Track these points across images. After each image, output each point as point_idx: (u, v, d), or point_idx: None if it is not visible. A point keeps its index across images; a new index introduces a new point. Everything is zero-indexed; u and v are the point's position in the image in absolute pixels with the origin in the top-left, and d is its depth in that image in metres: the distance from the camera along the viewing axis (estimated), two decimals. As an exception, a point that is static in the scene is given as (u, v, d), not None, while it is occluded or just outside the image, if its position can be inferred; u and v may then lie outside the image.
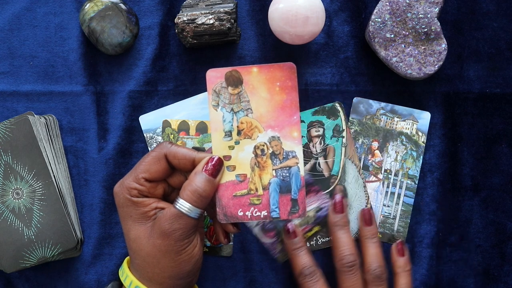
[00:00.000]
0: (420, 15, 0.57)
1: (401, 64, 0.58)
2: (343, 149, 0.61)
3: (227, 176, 0.49)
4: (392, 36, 0.58)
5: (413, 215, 0.61)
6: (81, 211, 0.61)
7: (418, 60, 0.58)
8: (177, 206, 0.46)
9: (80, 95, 0.61)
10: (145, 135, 0.61)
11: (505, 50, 0.61)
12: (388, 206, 0.61)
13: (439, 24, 0.57)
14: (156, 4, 0.61)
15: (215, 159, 0.47)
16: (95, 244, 0.61)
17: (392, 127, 0.61)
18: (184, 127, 0.61)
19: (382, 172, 0.61)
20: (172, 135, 0.61)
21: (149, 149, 0.61)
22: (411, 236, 0.61)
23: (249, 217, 0.48)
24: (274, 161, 0.48)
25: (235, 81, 0.49)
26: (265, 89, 0.49)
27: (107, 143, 0.61)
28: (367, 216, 0.57)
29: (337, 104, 0.61)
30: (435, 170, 0.61)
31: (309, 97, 0.61)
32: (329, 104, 0.61)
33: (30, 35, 0.61)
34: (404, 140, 0.61)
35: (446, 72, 0.61)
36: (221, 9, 0.58)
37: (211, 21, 0.57)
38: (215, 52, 0.61)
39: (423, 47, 0.58)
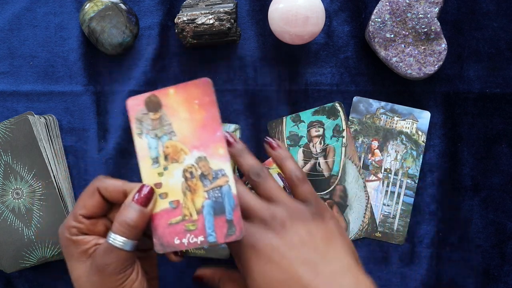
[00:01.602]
0: (420, 15, 0.57)
1: (401, 64, 0.58)
2: (343, 149, 0.61)
3: (161, 204, 0.46)
4: (392, 36, 0.58)
5: (413, 215, 0.61)
6: (81, 211, 0.61)
7: (418, 60, 0.58)
8: (108, 240, 0.44)
9: (80, 95, 0.61)
10: (145, 135, 0.61)
11: (505, 50, 0.61)
12: (388, 205, 0.61)
13: (439, 24, 0.57)
14: (156, 4, 0.61)
15: (144, 188, 0.46)
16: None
17: (392, 126, 0.61)
18: None
19: (382, 171, 0.61)
20: None
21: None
22: (411, 236, 0.61)
23: (186, 244, 0.46)
24: (204, 183, 0.46)
25: (154, 106, 0.47)
26: (185, 109, 0.47)
27: (107, 143, 0.61)
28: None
29: (337, 104, 0.61)
30: (435, 170, 0.61)
31: (309, 97, 0.61)
32: (329, 104, 0.61)
33: (30, 35, 0.62)
34: (404, 139, 0.61)
35: (446, 72, 0.61)
36: (221, 9, 0.58)
37: (211, 21, 0.57)
38: (215, 52, 0.62)
39: (423, 47, 0.58)
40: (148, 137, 0.47)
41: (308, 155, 0.61)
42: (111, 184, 0.46)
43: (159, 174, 0.47)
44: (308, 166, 0.61)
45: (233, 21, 0.58)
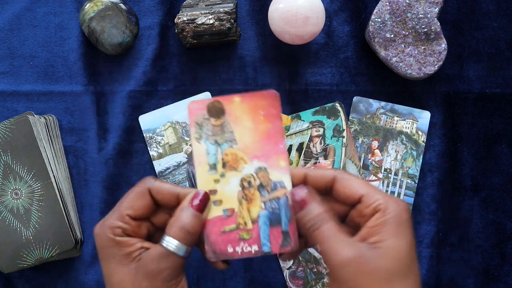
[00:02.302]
0: (420, 15, 0.57)
1: (401, 64, 0.58)
2: (343, 149, 0.61)
3: (214, 211, 0.46)
4: (392, 36, 0.58)
5: (413, 215, 0.61)
6: (81, 211, 0.61)
7: (418, 60, 0.58)
8: (164, 244, 0.43)
9: (80, 95, 0.61)
10: (145, 135, 0.61)
11: (505, 50, 0.61)
12: (388, 206, 0.61)
13: (439, 24, 0.58)
14: (156, 4, 0.61)
15: (201, 194, 0.45)
16: (95, 244, 0.60)
17: (392, 126, 0.61)
18: None
19: (382, 171, 0.61)
20: None
21: (149, 149, 0.61)
22: (411, 236, 0.61)
23: (239, 253, 0.45)
24: (262, 193, 0.46)
25: (217, 112, 0.47)
26: (249, 119, 0.46)
27: (107, 143, 0.61)
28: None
29: (337, 104, 0.61)
30: (435, 170, 0.61)
31: (309, 97, 0.61)
32: (329, 104, 0.61)
33: (30, 35, 0.61)
34: (404, 139, 0.61)
35: (446, 72, 0.61)
36: (221, 9, 0.58)
37: (211, 21, 0.57)
38: (215, 52, 0.61)
39: (423, 47, 0.58)
40: (207, 143, 0.46)
41: (308, 155, 0.61)
42: (164, 187, 0.45)
43: (215, 181, 0.46)
44: (308, 166, 0.61)
45: (233, 21, 0.58)
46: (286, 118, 0.61)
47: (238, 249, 0.45)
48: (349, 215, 0.45)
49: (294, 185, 0.45)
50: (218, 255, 0.45)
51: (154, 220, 0.47)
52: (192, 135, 0.47)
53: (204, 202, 0.45)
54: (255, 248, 0.45)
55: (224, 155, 0.46)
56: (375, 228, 0.41)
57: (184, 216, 0.43)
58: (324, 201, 0.44)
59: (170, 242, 0.43)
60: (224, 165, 0.46)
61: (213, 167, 0.46)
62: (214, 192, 0.46)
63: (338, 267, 0.40)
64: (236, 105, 0.46)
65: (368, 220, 0.42)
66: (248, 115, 0.46)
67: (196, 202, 0.44)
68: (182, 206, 0.44)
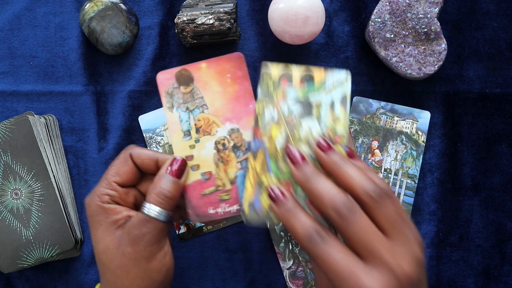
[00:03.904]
0: (420, 15, 0.57)
1: (401, 64, 0.58)
2: (343, 149, 0.61)
3: (193, 176, 0.47)
4: (392, 36, 0.58)
5: (413, 215, 0.61)
6: (81, 211, 0.61)
7: (418, 60, 0.58)
8: (144, 211, 0.45)
9: (80, 95, 0.61)
10: (144, 135, 0.61)
11: (505, 50, 0.61)
12: (388, 206, 0.61)
13: (439, 24, 0.58)
14: (156, 4, 0.61)
15: (178, 160, 0.46)
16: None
17: (392, 126, 0.61)
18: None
19: (382, 171, 0.61)
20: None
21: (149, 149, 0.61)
22: (411, 236, 0.61)
23: (221, 213, 0.47)
24: (237, 154, 0.48)
25: (185, 80, 0.48)
26: (217, 83, 0.48)
27: (107, 143, 0.61)
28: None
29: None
30: (435, 170, 0.61)
31: (309, 97, 0.61)
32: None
33: (30, 35, 0.61)
34: (404, 139, 0.61)
35: (446, 72, 0.61)
36: (221, 9, 0.58)
37: (211, 21, 0.57)
38: (215, 52, 0.61)
39: (423, 47, 0.58)
40: (179, 110, 0.48)
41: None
42: (144, 152, 0.47)
43: (190, 146, 0.48)
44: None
45: (233, 21, 0.58)
46: (319, 71, 0.49)
47: (220, 210, 0.47)
48: None
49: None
50: (201, 217, 0.47)
51: (140, 188, 0.49)
52: (163, 105, 0.48)
53: (181, 168, 0.46)
54: (235, 207, 0.47)
55: (197, 121, 0.48)
56: None
57: (162, 182, 0.45)
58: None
59: (151, 208, 0.45)
60: (197, 130, 0.48)
61: (187, 133, 0.48)
62: (190, 157, 0.47)
63: None
64: (203, 71, 0.48)
65: None
66: (216, 79, 0.48)
67: (173, 168, 0.46)
68: (160, 173, 0.46)
